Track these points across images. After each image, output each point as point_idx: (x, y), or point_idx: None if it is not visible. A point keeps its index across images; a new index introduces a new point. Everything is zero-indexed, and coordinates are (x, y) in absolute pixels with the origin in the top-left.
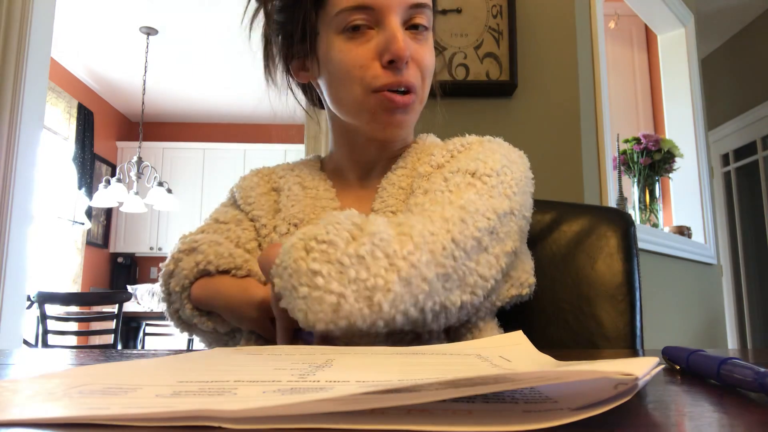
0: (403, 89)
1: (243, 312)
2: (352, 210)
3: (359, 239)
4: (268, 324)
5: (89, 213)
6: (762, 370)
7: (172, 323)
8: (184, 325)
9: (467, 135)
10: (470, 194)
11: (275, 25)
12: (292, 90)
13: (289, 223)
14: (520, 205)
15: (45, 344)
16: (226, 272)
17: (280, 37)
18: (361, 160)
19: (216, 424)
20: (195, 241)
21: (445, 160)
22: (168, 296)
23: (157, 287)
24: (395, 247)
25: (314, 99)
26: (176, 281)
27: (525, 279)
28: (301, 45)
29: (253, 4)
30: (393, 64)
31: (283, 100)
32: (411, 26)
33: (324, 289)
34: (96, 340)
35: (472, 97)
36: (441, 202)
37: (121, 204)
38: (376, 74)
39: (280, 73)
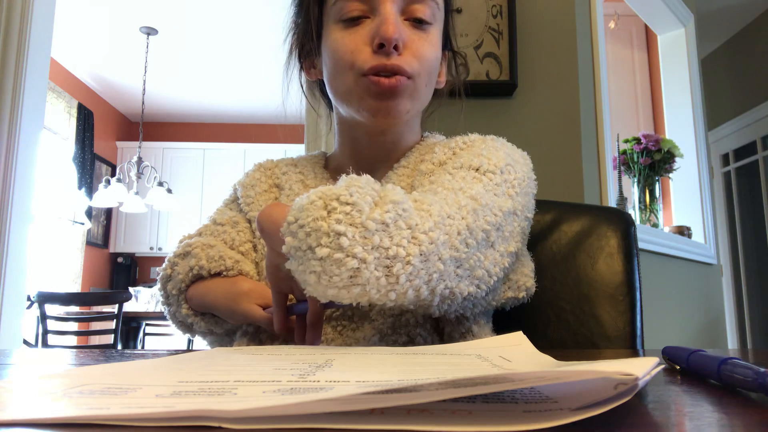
0: (389, 74)
1: (231, 304)
2: (367, 175)
3: (382, 206)
4: (257, 309)
5: (89, 213)
6: (762, 370)
7: (172, 325)
8: (183, 326)
9: (469, 134)
10: (478, 187)
11: (294, 26)
12: (302, 86)
13: None
14: (523, 206)
15: (45, 344)
16: (218, 274)
17: (296, 37)
18: (363, 159)
19: (216, 424)
20: (189, 245)
21: (447, 158)
22: (166, 299)
23: (156, 290)
24: (417, 221)
25: (326, 99)
26: (173, 285)
27: (523, 282)
28: (313, 42)
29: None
30: (383, 48)
31: (290, 101)
32: (413, 20)
33: (347, 252)
34: (96, 340)
35: (472, 97)
36: (453, 189)
37: (121, 204)
38: (366, 58)
39: (296, 72)
